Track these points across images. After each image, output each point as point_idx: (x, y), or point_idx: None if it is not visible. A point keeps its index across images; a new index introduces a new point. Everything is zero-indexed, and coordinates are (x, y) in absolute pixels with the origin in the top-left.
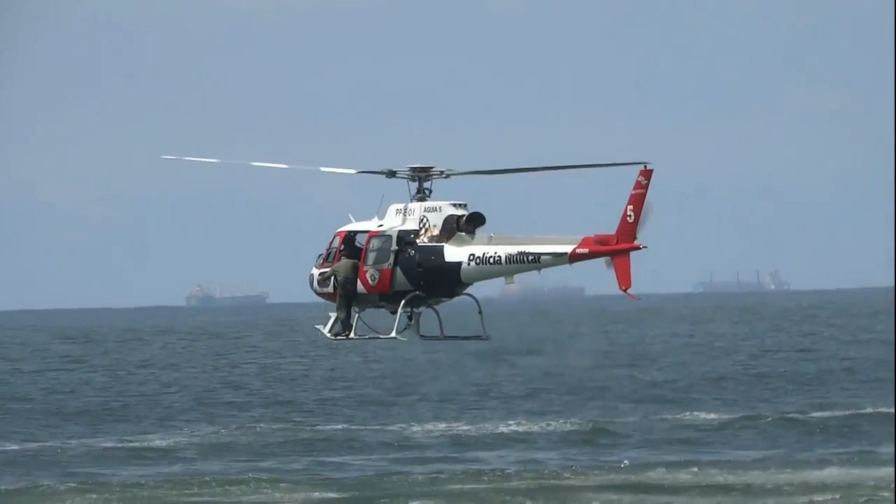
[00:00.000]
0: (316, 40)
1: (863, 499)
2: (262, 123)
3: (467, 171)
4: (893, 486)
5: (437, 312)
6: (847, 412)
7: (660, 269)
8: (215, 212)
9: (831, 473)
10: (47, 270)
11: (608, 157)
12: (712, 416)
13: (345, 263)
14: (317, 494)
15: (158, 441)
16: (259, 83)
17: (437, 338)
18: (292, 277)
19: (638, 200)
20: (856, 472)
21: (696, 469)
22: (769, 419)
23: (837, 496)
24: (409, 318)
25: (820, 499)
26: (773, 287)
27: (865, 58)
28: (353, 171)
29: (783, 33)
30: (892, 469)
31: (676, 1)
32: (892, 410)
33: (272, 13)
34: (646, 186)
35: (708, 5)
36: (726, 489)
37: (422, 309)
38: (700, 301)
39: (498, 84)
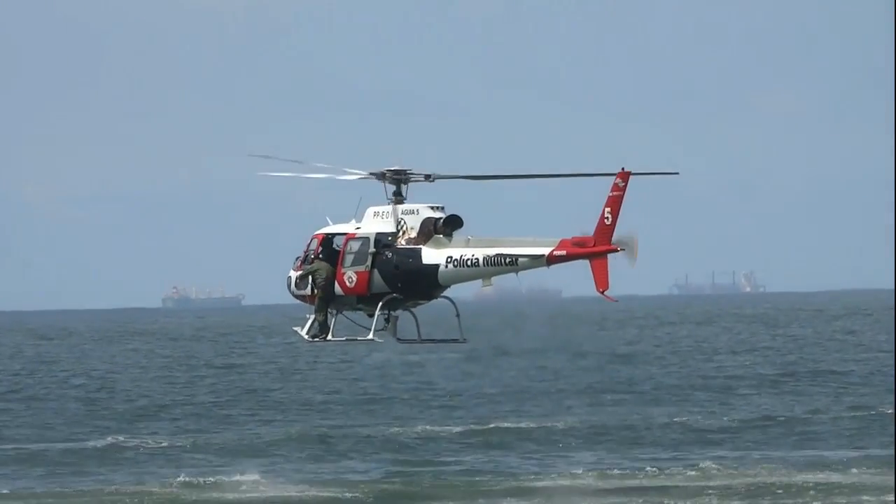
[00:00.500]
0: (307, 38)
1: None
2: (245, 121)
3: (446, 175)
4: (893, 485)
5: (414, 315)
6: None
7: (635, 272)
8: (191, 213)
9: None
10: (18, 271)
11: (584, 158)
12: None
13: (321, 265)
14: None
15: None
16: (242, 82)
17: (414, 341)
18: (269, 279)
19: (615, 203)
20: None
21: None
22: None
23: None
24: (387, 320)
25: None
26: (748, 289)
27: (843, 60)
28: (358, 176)
29: (759, 32)
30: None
31: (654, 1)
32: (893, 410)
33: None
34: (623, 189)
35: (686, 6)
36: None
37: (399, 312)
38: (675, 304)
39: (475, 85)
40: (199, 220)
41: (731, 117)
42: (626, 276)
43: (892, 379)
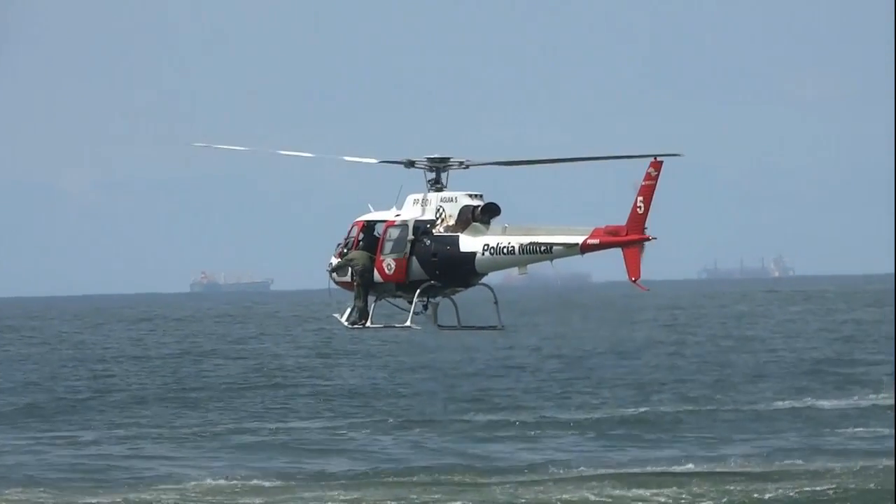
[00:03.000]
0: (340, 30)
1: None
2: (277, 112)
3: (485, 161)
4: (893, 484)
5: (454, 303)
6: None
7: (664, 256)
8: (220, 198)
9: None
10: (49, 257)
11: (617, 146)
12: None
13: (358, 254)
14: None
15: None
16: (277, 70)
17: (454, 328)
18: (297, 264)
19: (648, 192)
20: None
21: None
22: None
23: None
24: (425, 307)
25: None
26: (777, 274)
27: (872, 47)
28: (374, 161)
29: (791, 17)
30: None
31: None
32: (893, 411)
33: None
34: (656, 178)
35: None
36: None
37: (439, 299)
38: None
39: (512, 74)
40: (227, 204)
41: (760, 102)
42: (654, 261)
43: None
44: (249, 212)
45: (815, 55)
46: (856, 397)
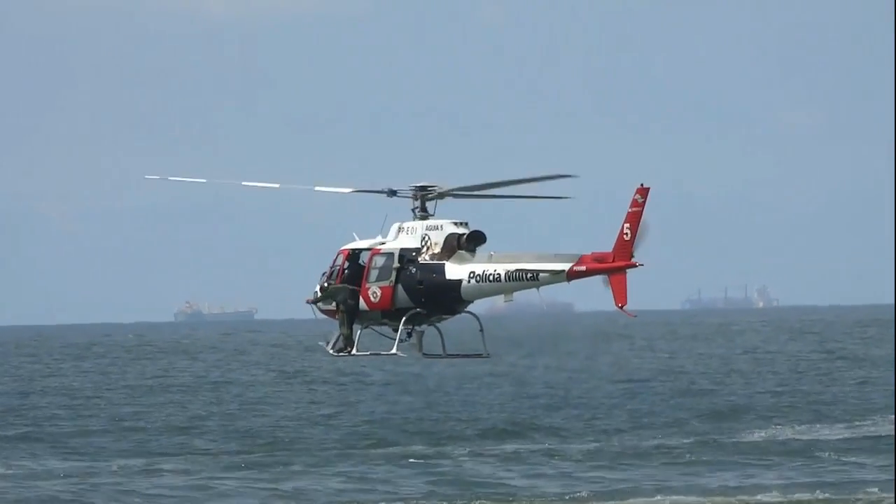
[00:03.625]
0: (319, 52)
1: None
2: (258, 136)
3: (469, 192)
4: (893, 487)
5: (439, 331)
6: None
7: (648, 286)
8: (203, 226)
9: None
10: (33, 286)
11: (594, 173)
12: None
13: (340, 287)
14: None
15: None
16: (255, 95)
17: (439, 356)
18: (281, 293)
19: (634, 218)
20: None
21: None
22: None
23: None
24: (409, 335)
25: None
26: (761, 304)
27: (853, 74)
28: (348, 191)
29: (768, 49)
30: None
31: (665, 16)
32: (893, 412)
33: (270, 23)
34: (642, 205)
35: (697, 21)
36: None
37: (424, 327)
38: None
39: (497, 101)
40: (211, 232)
41: (742, 132)
42: (638, 292)
43: None
44: (234, 240)
45: (797, 86)
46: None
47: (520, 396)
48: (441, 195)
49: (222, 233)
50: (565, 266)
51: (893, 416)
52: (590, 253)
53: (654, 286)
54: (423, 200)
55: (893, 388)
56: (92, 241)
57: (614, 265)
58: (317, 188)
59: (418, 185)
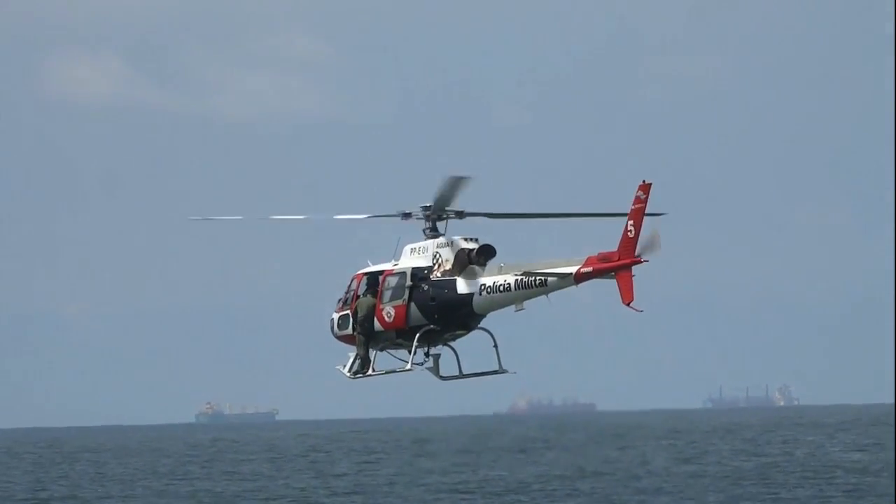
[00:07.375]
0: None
1: None
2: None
3: (479, 212)
4: (893, 486)
5: (454, 351)
6: None
7: (669, 386)
8: (225, 328)
9: None
10: (54, 387)
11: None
12: None
13: (363, 299)
14: None
15: None
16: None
17: (456, 377)
18: (302, 394)
19: (637, 215)
20: None
21: None
22: None
23: None
24: (427, 354)
25: None
26: (782, 403)
27: (877, 179)
28: (363, 217)
29: (792, 146)
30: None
31: (684, 116)
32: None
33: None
34: (645, 201)
35: (722, 122)
36: None
37: (440, 349)
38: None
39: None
40: (231, 335)
41: (765, 230)
42: (659, 390)
43: None
44: (255, 342)
45: (820, 185)
46: None
47: None
48: (460, 214)
49: (243, 335)
50: (572, 269)
51: (894, 417)
52: (595, 254)
53: (676, 384)
54: (434, 220)
55: (893, 398)
56: (112, 344)
57: (620, 263)
58: (336, 217)
59: (426, 205)
